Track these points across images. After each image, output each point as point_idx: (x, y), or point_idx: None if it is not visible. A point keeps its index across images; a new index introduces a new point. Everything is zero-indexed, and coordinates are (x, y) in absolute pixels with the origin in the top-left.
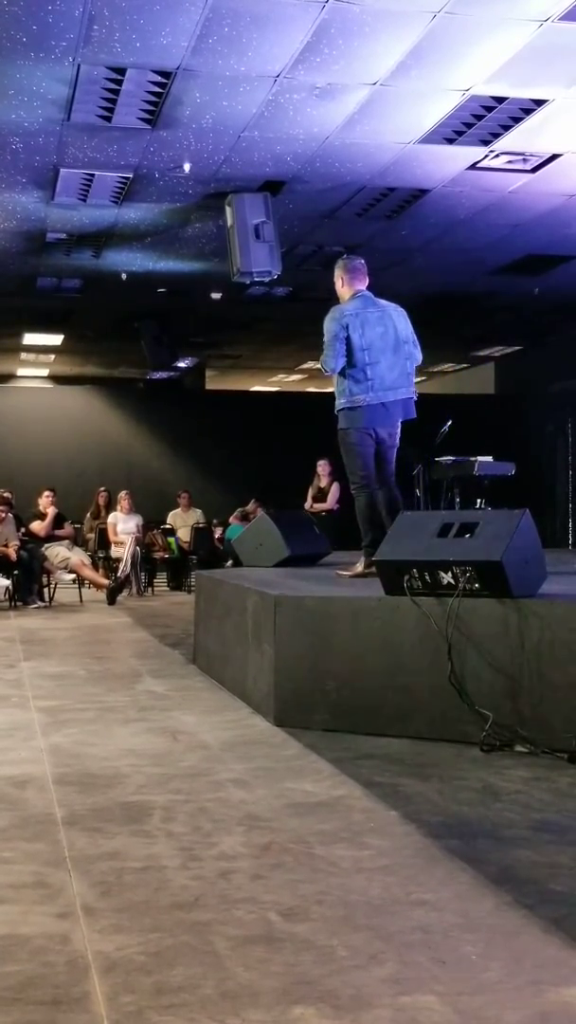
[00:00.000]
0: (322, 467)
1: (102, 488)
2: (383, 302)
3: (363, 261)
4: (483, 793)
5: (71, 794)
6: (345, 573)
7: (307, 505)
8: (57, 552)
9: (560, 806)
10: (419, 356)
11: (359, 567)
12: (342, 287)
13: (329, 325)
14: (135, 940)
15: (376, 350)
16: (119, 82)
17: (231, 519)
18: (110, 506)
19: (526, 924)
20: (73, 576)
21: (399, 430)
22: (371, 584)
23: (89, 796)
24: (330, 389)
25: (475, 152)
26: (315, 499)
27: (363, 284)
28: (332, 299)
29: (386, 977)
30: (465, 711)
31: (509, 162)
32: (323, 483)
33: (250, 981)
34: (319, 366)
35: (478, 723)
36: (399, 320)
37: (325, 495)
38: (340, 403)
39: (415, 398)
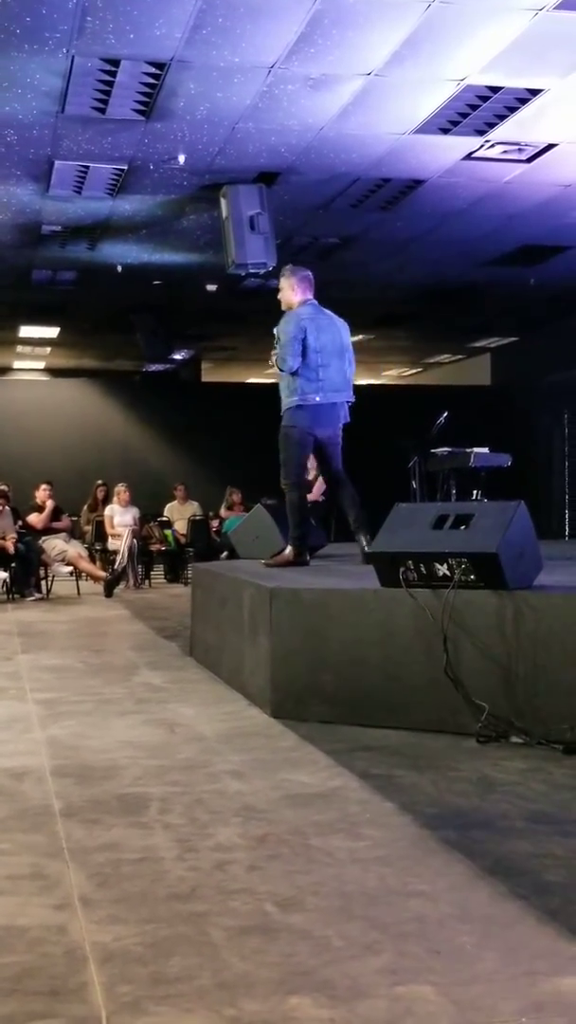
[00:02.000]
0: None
1: (99, 481)
2: (329, 312)
3: (310, 272)
4: (479, 784)
5: (69, 786)
6: (271, 561)
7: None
8: (54, 545)
9: (555, 797)
10: (354, 368)
11: (288, 555)
12: (292, 295)
13: (287, 327)
14: (132, 931)
15: (327, 353)
16: (113, 74)
17: (221, 513)
18: (107, 499)
19: (521, 915)
20: (70, 569)
21: (341, 431)
22: (367, 576)
23: (86, 788)
24: None
25: (470, 142)
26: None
27: (311, 293)
28: (329, 290)
29: (382, 967)
30: (461, 702)
31: (504, 152)
32: (310, 476)
33: (246, 971)
34: (276, 363)
35: (474, 714)
36: (343, 330)
37: (310, 487)
38: (292, 400)
39: (353, 402)
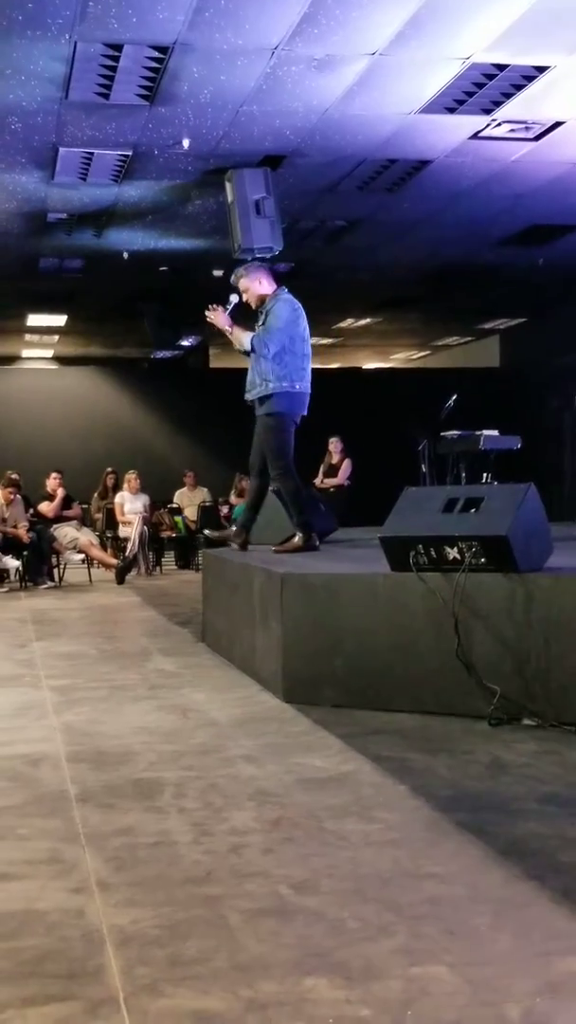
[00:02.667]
0: (334, 444)
1: (109, 468)
2: None
3: None
4: (491, 767)
5: (84, 771)
6: (281, 548)
7: (318, 481)
8: (66, 532)
9: (568, 779)
10: None
11: (298, 541)
12: (261, 287)
13: (282, 311)
14: (149, 914)
15: (308, 342)
16: (116, 59)
17: (231, 499)
18: (117, 486)
19: (535, 896)
20: (82, 556)
21: None
22: (377, 561)
23: (102, 773)
24: (335, 365)
25: (477, 121)
26: (326, 475)
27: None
28: (336, 273)
29: (397, 948)
30: (473, 686)
31: (511, 131)
32: (335, 459)
33: (262, 953)
34: (245, 343)
35: (486, 697)
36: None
37: (336, 471)
38: (278, 386)
39: None
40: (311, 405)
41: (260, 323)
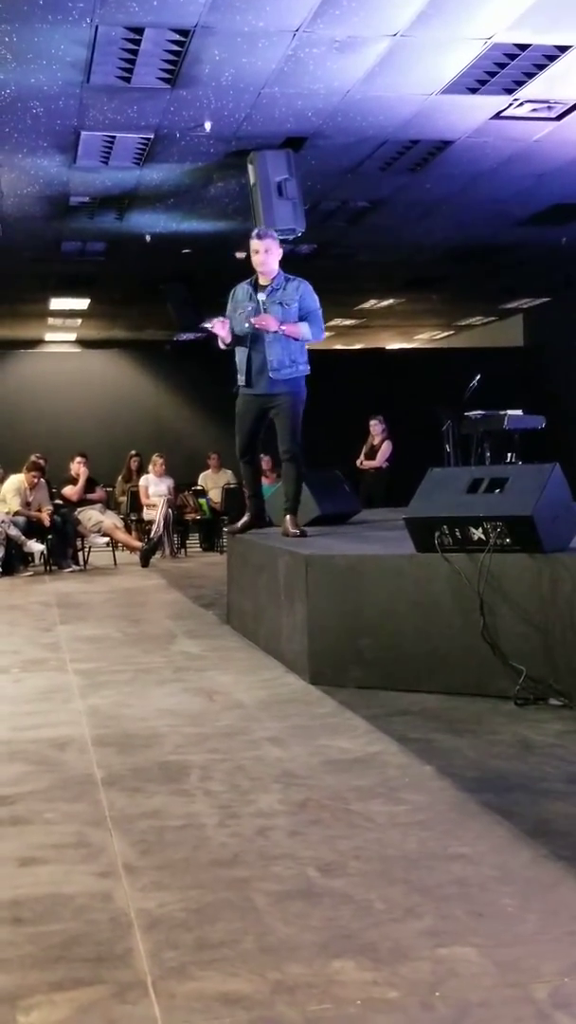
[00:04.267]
0: (375, 425)
1: (133, 451)
2: None
3: None
4: (518, 747)
5: (110, 755)
6: (290, 531)
7: (358, 462)
8: (90, 516)
9: None
10: None
11: (289, 524)
12: (277, 259)
13: (313, 296)
14: (176, 897)
15: None
16: (137, 42)
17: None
18: (141, 469)
19: (563, 876)
20: (106, 539)
21: None
22: (402, 541)
23: (128, 756)
24: (358, 346)
25: (499, 101)
26: (367, 456)
27: None
28: (359, 254)
29: (424, 930)
30: (498, 666)
31: (534, 110)
32: (376, 441)
33: (289, 936)
34: (310, 336)
35: (511, 677)
36: None
37: (375, 453)
38: (303, 369)
39: None
40: (337, 387)
41: (274, 300)
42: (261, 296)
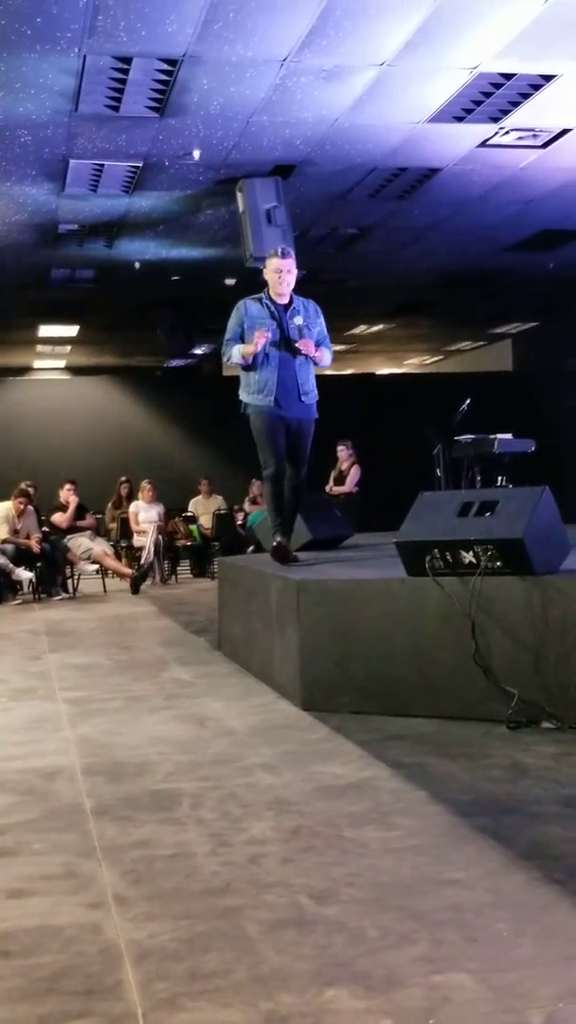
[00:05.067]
0: (342, 450)
1: (123, 478)
2: None
3: None
4: (511, 770)
5: (100, 784)
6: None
7: (327, 488)
8: (80, 543)
9: None
10: None
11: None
12: (295, 279)
13: (322, 318)
14: (167, 927)
15: None
16: (126, 71)
17: (246, 507)
18: (131, 495)
19: (557, 899)
20: (96, 566)
21: None
22: (393, 566)
23: (118, 785)
24: (349, 371)
25: (485, 129)
26: (336, 482)
27: None
28: (348, 280)
29: (418, 956)
30: (491, 689)
31: (519, 138)
32: (343, 466)
33: (282, 964)
34: (327, 362)
35: (504, 701)
36: None
37: (345, 478)
38: (315, 394)
39: None
40: (327, 412)
41: (300, 321)
42: (298, 320)
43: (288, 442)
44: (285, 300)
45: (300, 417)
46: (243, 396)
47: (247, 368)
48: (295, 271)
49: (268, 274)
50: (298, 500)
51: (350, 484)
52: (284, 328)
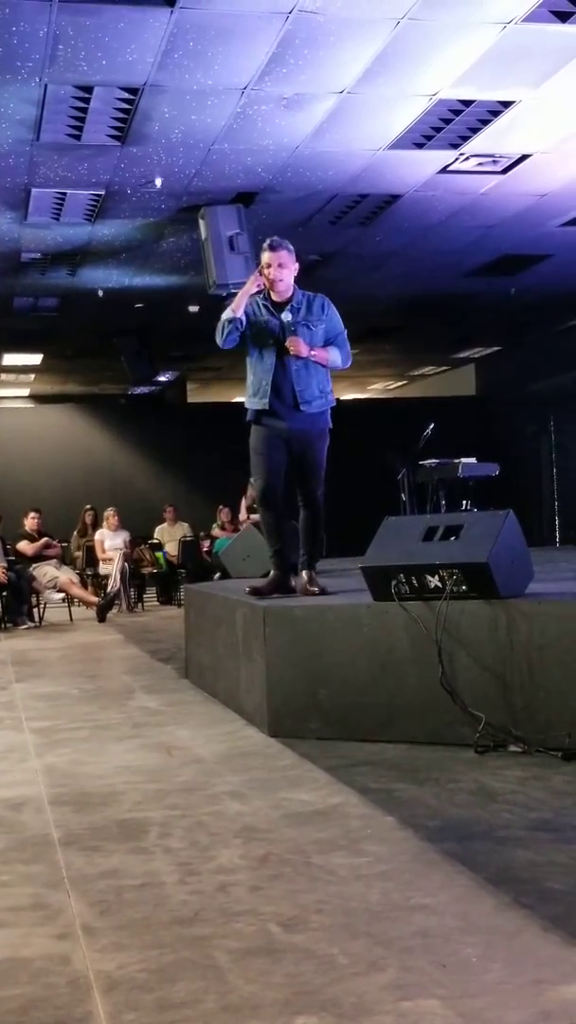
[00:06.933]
0: None
1: (88, 506)
2: None
3: None
4: (479, 795)
5: (67, 814)
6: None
7: (242, 516)
8: (45, 571)
9: (556, 804)
10: None
11: (306, 581)
12: (293, 274)
13: (338, 316)
14: (136, 957)
15: None
16: (87, 100)
17: (213, 532)
18: (96, 523)
19: (526, 924)
20: (62, 595)
21: None
22: (359, 591)
23: (85, 815)
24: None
25: (445, 156)
26: (250, 510)
27: None
28: None
29: (387, 983)
30: (458, 713)
31: (479, 164)
32: None
33: (252, 993)
34: (340, 363)
35: (471, 725)
36: None
37: None
38: (331, 400)
39: None
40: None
41: (298, 321)
42: (286, 316)
43: (290, 457)
44: (283, 297)
45: (299, 428)
46: (245, 401)
47: (249, 370)
48: (290, 265)
49: (262, 270)
50: (316, 522)
51: None
52: (270, 327)
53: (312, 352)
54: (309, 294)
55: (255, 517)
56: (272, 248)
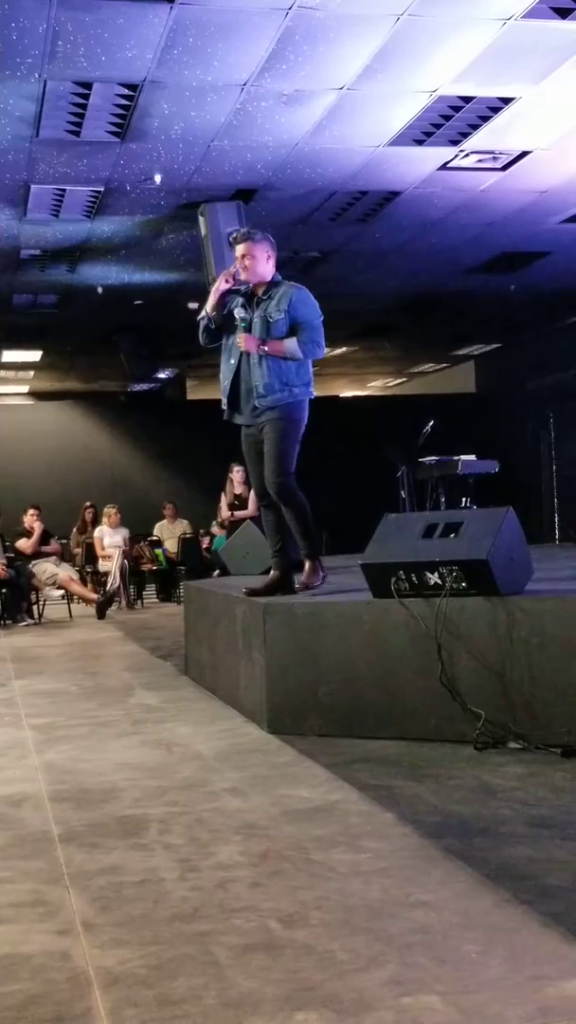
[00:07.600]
0: (239, 472)
1: (87, 503)
2: None
3: None
4: (478, 791)
5: (67, 810)
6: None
7: (223, 514)
8: (44, 569)
9: (555, 801)
10: None
11: (304, 578)
12: (267, 267)
13: (311, 307)
14: (136, 954)
15: None
16: (86, 96)
17: (213, 530)
18: (96, 520)
19: (525, 920)
20: (62, 592)
21: None
22: (359, 588)
23: (85, 812)
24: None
25: (445, 152)
26: (232, 507)
27: None
28: None
29: (387, 979)
30: (457, 710)
31: (479, 161)
32: (238, 490)
33: (252, 989)
34: (298, 352)
35: (471, 722)
36: None
37: (245, 501)
38: (306, 391)
39: None
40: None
41: (262, 311)
42: (245, 312)
43: (256, 454)
44: (258, 289)
45: (255, 421)
46: None
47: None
48: (259, 255)
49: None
50: (291, 515)
51: (253, 508)
52: (245, 326)
53: (263, 347)
54: (285, 285)
55: (239, 514)
56: (235, 241)
